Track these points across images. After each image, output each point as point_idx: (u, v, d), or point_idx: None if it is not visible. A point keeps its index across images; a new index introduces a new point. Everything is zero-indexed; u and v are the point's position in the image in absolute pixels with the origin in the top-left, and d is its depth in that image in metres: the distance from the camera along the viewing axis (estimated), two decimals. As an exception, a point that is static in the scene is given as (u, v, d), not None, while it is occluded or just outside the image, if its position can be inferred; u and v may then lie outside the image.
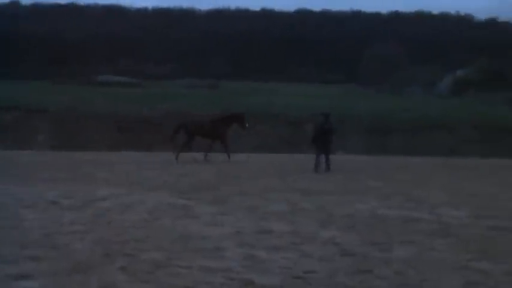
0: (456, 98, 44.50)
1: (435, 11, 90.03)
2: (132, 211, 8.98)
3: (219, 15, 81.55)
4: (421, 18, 78.76)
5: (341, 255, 6.40)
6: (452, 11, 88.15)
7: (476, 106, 36.45)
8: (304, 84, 52.83)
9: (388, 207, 9.82)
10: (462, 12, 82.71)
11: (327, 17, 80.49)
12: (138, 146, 25.36)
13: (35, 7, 78.04)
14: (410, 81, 52.89)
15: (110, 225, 7.80)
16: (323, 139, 16.74)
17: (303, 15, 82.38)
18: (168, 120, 26.14)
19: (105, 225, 7.78)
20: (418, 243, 7.04)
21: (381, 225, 8.25)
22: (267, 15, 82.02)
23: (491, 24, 76.57)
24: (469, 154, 24.49)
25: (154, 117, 30.61)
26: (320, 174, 15.74)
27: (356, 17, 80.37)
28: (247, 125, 19.78)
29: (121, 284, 5.27)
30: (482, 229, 8.00)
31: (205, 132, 19.90)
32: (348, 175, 15.56)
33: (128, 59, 59.79)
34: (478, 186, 13.64)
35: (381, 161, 18.97)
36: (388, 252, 6.57)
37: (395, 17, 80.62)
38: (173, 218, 8.48)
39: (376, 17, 78.90)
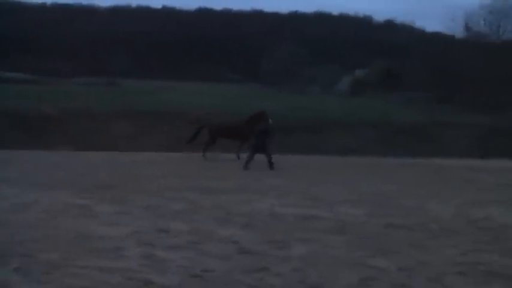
0: (355, 98, 45.85)
1: (334, 11, 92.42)
2: (28, 211, 8.70)
3: (119, 12, 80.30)
4: (320, 19, 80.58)
5: (239, 254, 6.41)
6: (351, 12, 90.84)
7: (374, 106, 37.69)
8: (205, 82, 52.88)
9: (287, 205, 9.94)
10: (361, 13, 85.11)
11: (227, 16, 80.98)
12: (38, 144, 24.59)
13: None
14: (311, 81, 54.05)
15: (4, 226, 7.52)
16: (261, 139, 17.20)
17: (204, 13, 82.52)
18: (69, 118, 25.54)
19: (-2, 226, 7.48)
20: (316, 240, 7.16)
21: (279, 223, 8.35)
22: (168, 13, 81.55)
23: (389, 26, 79.29)
24: (368, 153, 25.30)
25: (54, 115, 29.76)
26: (247, 170, 16.41)
27: (257, 17, 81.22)
28: (270, 121, 20.05)
29: (16, 285, 5.10)
30: (378, 227, 8.24)
31: (231, 135, 21.05)
32: (248, 173, 15.75)
33: (23, 55, 57.56)
34: (375, 184, 14.06)
35: (282, 160, 19.21)
36: (286, 250, 6.64)
37: (295, 17, 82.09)
38: (70, 217, 8.29)
39: (276, 16, 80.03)
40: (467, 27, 48.57)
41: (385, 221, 8.58)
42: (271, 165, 17.03)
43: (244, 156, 19.22)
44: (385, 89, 45.86)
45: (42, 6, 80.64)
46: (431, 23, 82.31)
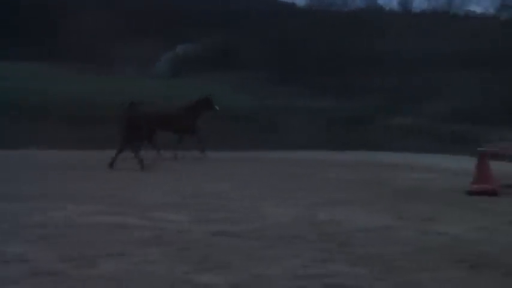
0: (177, 79, 45.96)
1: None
2: None
3: None
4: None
5: (31, 276, 6.20)
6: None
7: (199, 89, 37.95)
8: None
9: (93, 213, 9.79)
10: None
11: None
12: None
13: None
14: (123, 59, 53.38)
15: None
16: (130, 133, 17.48)
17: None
18: None
19: None
20: (127, 254, 7.09)
21: (83, 235, 8.19)
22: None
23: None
24: (193, 147, 25.40)
25: None
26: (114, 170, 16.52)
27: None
28: (217, 108, 20.59)
29: None
30: (205, 235, 8.30)
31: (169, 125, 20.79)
32: (43, 175, 15.33)
33: None
34: (202, 184, 14.21)
35: (86, 156, 18.94)
36: (90, 268, 6.51)
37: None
38: None
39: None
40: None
41: (213, 228, 8.67)
42: (141, 164, 17.28)
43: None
44: (215, 68, 46.34)
45: None
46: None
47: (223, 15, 60.10)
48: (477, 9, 47.32)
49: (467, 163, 15.84)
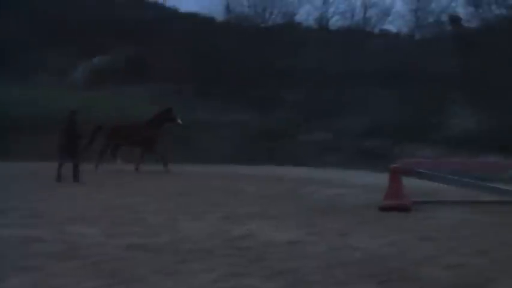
0: (93, 90, 45.43)
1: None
2: None
3: None
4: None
5: None
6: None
7: (114, 101, 37.64)
8: None
9: (5, 226, 9.62)
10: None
11: None
12: None
13: None
14: (38, 68, 52.43)
15: None
16: (70, 143, 17.28)
17: None
18: None
19: None
20: (37, 269, 6.98)
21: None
22: None
23: (136, 4, 79.49)
24: (106, 160, 25.16)
25: None
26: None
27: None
28: (179, 120, 20.66)
29: None
30: (118, 249, 8.23)
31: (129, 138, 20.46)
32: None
33: None
34: (115, 197, 14.09)
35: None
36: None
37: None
38: None
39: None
40: (228, 9, 50.60)
41: (126, 242, 8.61)
42: (76, 176, 17.21)
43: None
44: (130, 79, 45.98)
45: None
46: (186, 2, 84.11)
47: (139, 27, 59.75)
48: (392, 28, 48.55)
49: (380, 179, 16.10)
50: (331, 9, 48.20)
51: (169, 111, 21.67)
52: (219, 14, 52.35)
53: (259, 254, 8.27)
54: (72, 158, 17.49)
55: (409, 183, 14.18)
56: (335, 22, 49.03)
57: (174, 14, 63.31)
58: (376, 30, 48.56)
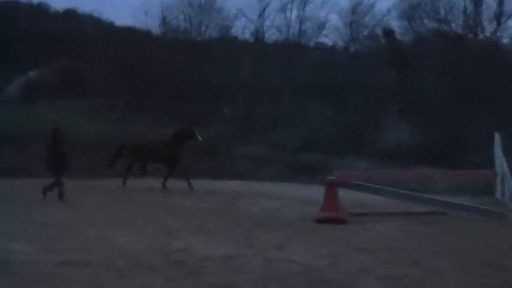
0: (29, 105, 44.74)
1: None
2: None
3: None
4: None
5: None
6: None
7: (50, 116, 37.09)
8: None
9: None
10: (36, 0, 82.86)
11: None
12: None
13: None
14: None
15: None
16: (58, 161, 17.04)
17: None
18: None
19: None
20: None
21: None
22: None
23: (71, 17, 78.40)
24: (42, 174, 24.80)
25: None
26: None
27: None
28: (200, 138, 20.93)
29: None
30: (52, 265, 8.15)
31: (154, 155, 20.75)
32: None
33: None
34: (51, 213, 13.93)
35: None
36: None
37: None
38: None
39: None
40: (164, 22, 50.39)
41: (60, 258, 8.52)
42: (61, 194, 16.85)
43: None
44: (67, 94, 45.44)
45: None
46: (123, 15, 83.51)
47: (75, 40, 59.18)
48: (327, 41, 48.88)
49: (316, 192, 16.21)
50: (267, 23, 48.19)
51: (191, 129, 21.87)
52: (155, 28, 52.04)
53: (196, 268, 8.28)
54: (57, 176, 17.23)
55: (345, 195, 14.34)
56: (271, 35, 49.11)
57: (110, 28, 62.79)
58: (312, 44, 48.82)
